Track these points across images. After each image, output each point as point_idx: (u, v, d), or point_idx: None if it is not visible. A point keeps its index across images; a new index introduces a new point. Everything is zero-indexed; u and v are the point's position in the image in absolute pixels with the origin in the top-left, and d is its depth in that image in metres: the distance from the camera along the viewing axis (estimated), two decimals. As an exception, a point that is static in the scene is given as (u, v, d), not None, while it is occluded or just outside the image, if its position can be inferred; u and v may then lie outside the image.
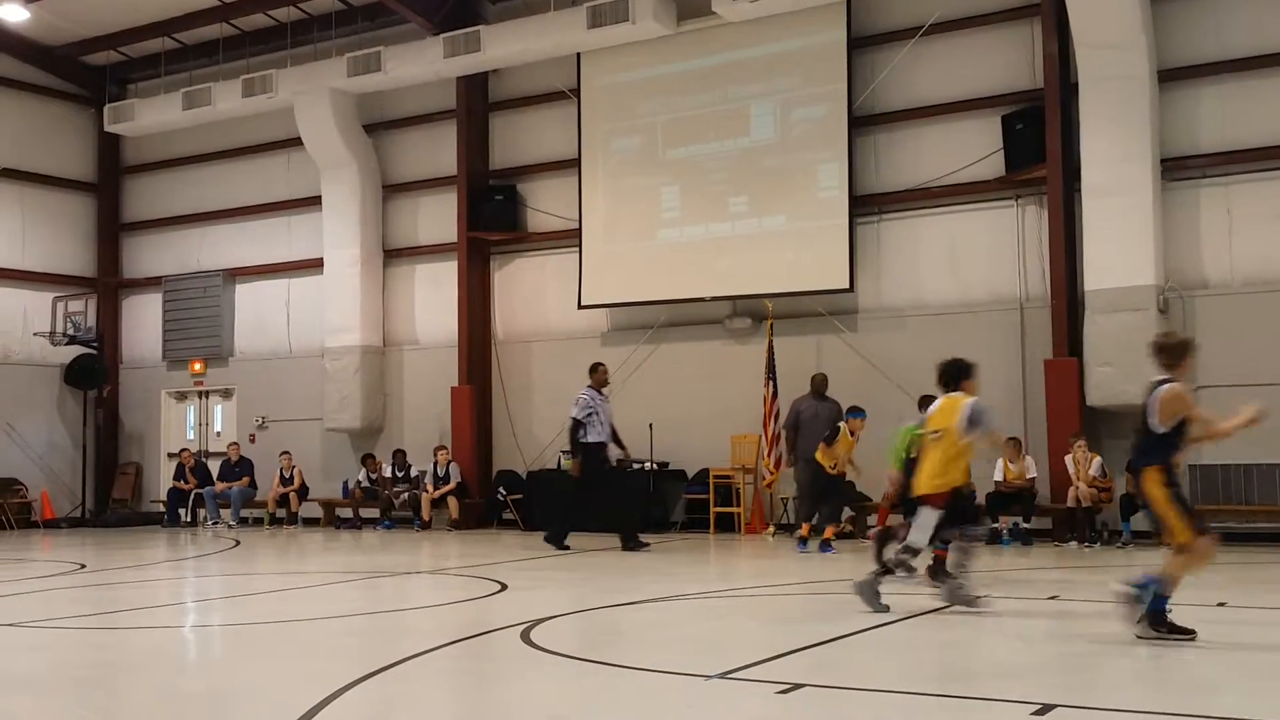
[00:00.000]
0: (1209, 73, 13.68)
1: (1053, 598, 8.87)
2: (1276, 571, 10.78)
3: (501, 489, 17.32)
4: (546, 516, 16.22)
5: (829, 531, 12.58)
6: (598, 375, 13.79)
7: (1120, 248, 13.42)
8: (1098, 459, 13.33)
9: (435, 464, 17.42)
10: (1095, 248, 13.61)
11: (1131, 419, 13.44)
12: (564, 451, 15.24)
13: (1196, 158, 13.69)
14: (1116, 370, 13.32)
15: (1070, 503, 13.14)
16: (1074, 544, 13.02)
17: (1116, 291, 13.37)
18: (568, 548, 13.31)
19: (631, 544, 13.25)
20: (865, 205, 15.41)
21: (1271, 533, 12.96)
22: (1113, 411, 13.53)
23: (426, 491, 17.30)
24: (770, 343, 15.21)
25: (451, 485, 17.22)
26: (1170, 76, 13.74)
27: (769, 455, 15.07)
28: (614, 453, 13.93)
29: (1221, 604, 8.06)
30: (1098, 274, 13.56)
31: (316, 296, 19.35)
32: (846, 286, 15.28)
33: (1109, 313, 13.47)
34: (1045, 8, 14.18)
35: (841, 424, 12.72)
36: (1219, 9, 13.66)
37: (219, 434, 20.94)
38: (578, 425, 13.45)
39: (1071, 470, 13.23)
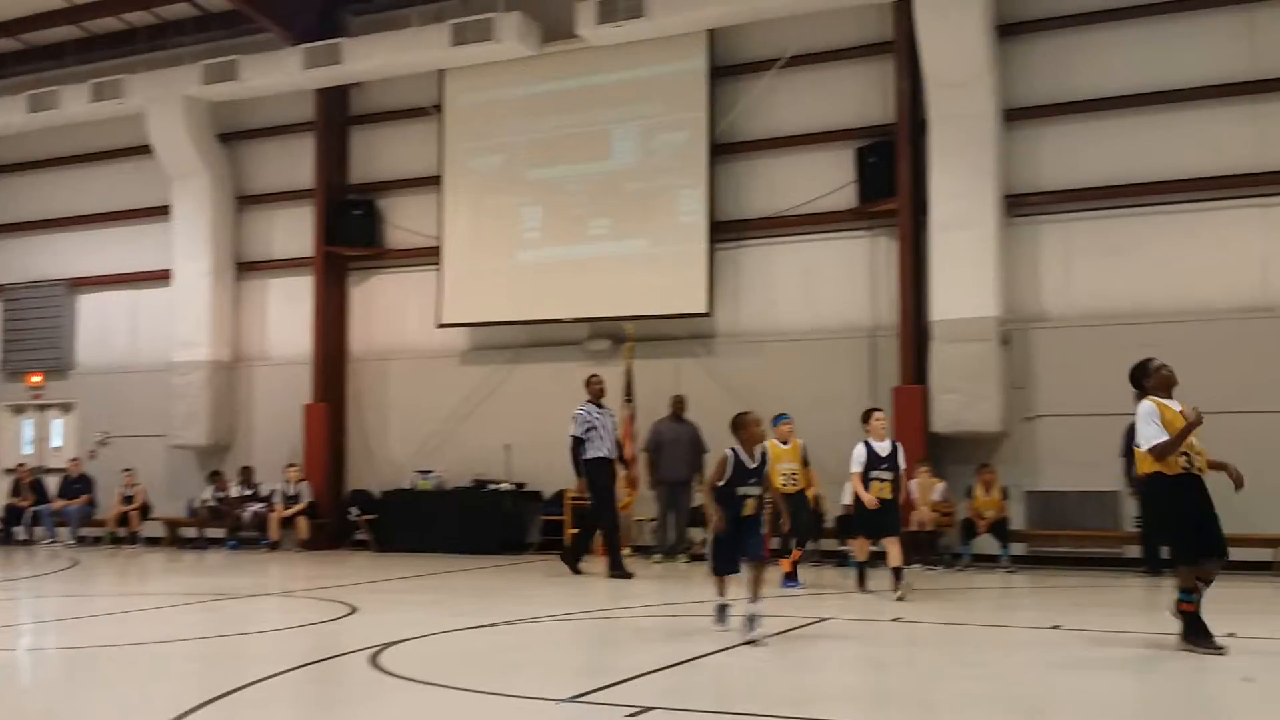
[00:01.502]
0: (1052, 113, 14.31)
1: (895, 619, 9.12)
2: (1110, 595, 11.27)
3: (354, 509, 17.02)
4: (401, 537, 16.08)
5: (786, 563, 11.21)
6: (592, 387, 13.04)
7: (965, 280, 13.92)
8: (941, 484, 13.77)
9: (286, 482, 17.04)
10: (941, 279, 14.09)
11: (972, 445, 14.06)
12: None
13: (1038, 195, 14.30)
14: (959, 397, 13.82)
15: (914, 527, 13.53)
16: (918, 567, 13.40)
17: (960, 322, 13.86)
18: (580, 571, 12.66)
19: (617, 571, 12.42)
20: (724, 231, 15.67)
21: (1104, 557, 13.56)
22: (955, 438, 14.01)
23: (274, 510, 16.90)
24: (629, 365, 15.33)
25: (302, 505, 16.85)
26: (1015, 116, 14.34)
27: (627, 476, 15.14)
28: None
29: (1055, 626, 8.39)
30: (943, 305, 14.04)
31: (165, 309, 18.76)
32: (705, 311, 15.49)
33: (953, 342, 13.95)
34: (898, 46, 14.66)
35: (765, 443, 10.84)
36: (1063, 53, 14.31)
37: (58, 449, 20.11)
38: (578, 443, 12.65)
39: (915, 495, 13.63)
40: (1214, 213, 13.53)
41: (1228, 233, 13.49)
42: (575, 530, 14.05)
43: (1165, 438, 6.96)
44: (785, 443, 10.99)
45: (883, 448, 10.55)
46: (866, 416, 10.74)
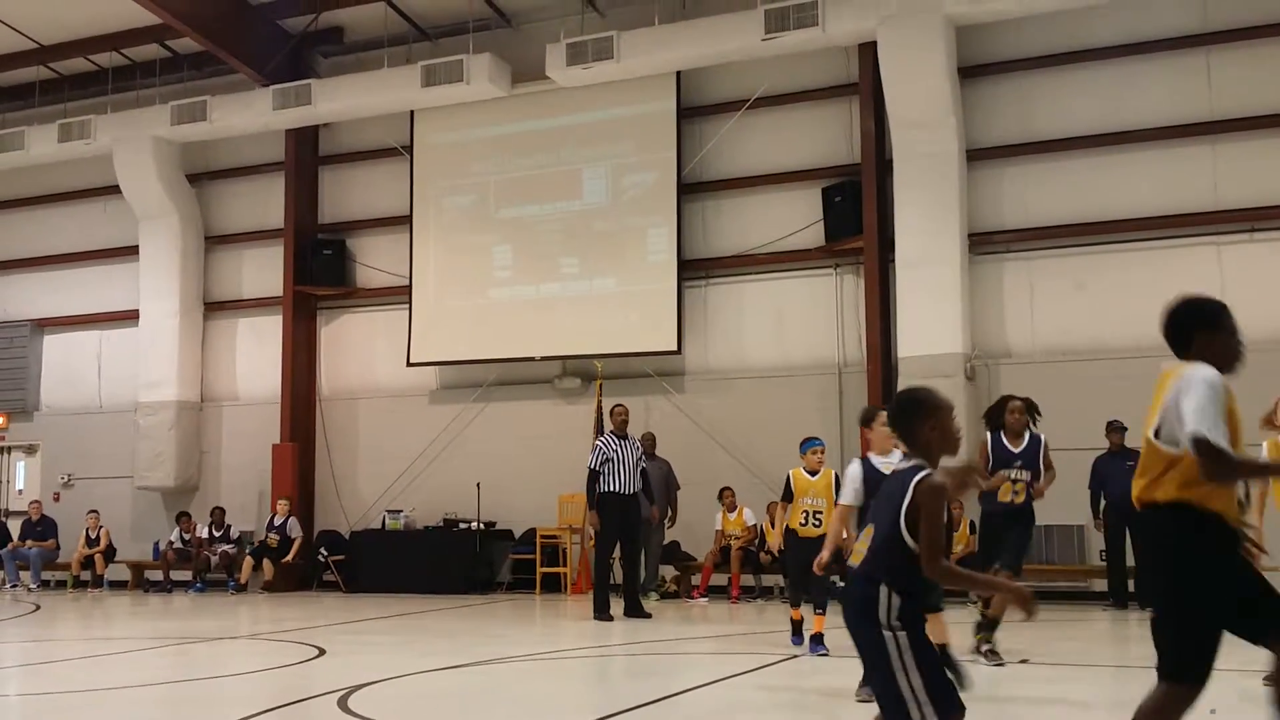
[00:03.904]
0: (1014, 153, 14.53)
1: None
2: (1078, 629, 11.34)
3: (323, 549, 16.92)
4: (370, 577, 15.98)
5: (813, 619, 8.92)
6: (615, 418, 12.54)
7: (930, 317, 14.06)
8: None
9: (273, 515, 16.90)
10: (908, 316, 14.23)
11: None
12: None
13: (1001, 233, 14.49)
14: (928, 434, 13.89)
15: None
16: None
17: (927, 358, 13.98)
18: (610, 617, 11.95)
19: (633, 610, 12.13)
20: (693, 270, 15.78)
21: (1071, 591, 13.65)
22: (925, 473, 14.08)
23: (266, 542, 16.78)
24: (599, 403, 15.36)
25: (298, 542, 16.72)
26: (978, 155, 14.55)
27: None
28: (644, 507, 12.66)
29: (1024, 660, 8.44)
30: (910, 341, 14.17)
31: (131, 349, 18.67)
32: (674, 349, 15.57)
33: (920, 378, 14.05)
34: (863, 87, 14.87)
35: (790, 471, 9.24)
36: (1024, 94, 14.55)
37: (20, 492, 19.89)
38: (594, 477, 12.21)
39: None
40: (1173, 250, 13.75)
41: (1186, 269, 13.66)
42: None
43: (1226, 443, 3.86)
44: (814, 473, 9.09)
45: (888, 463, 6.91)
46: (869, 418, 7.47)
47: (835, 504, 8.43)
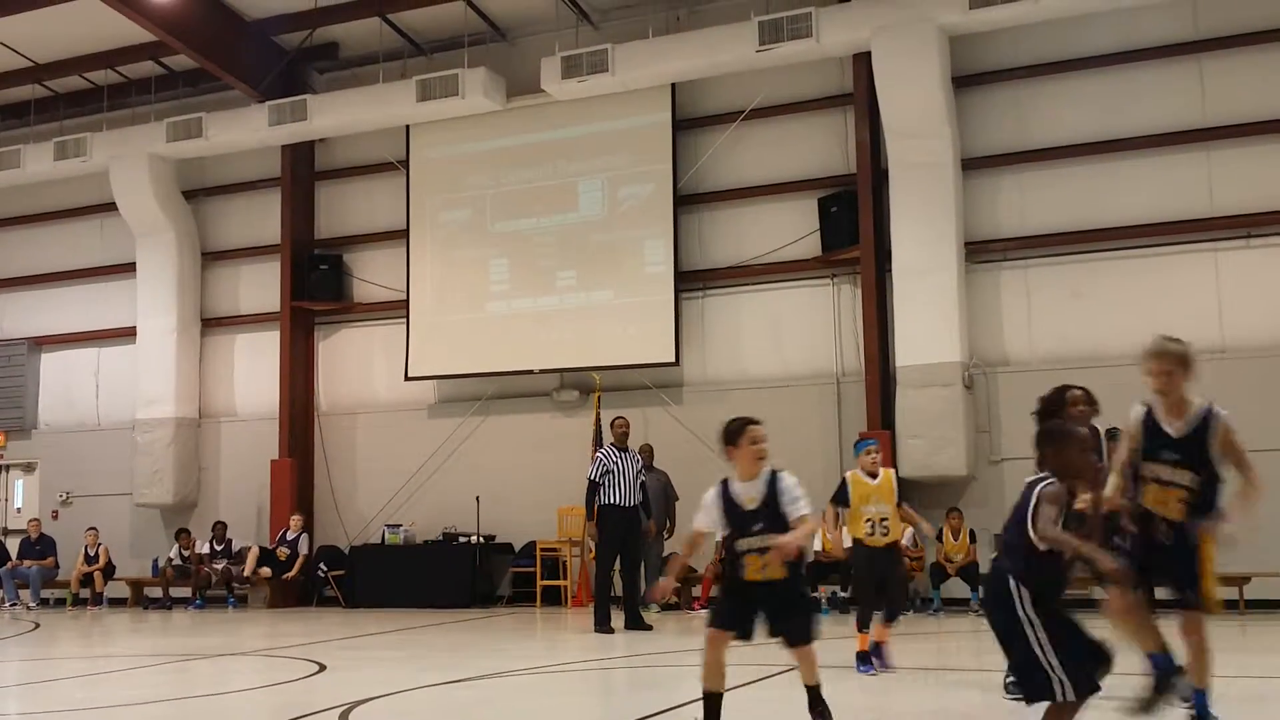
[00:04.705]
0: (1010, 162, 14.57)
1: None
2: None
3: (322, 565, 16.89)
4: (370, 592, 15.95)
5: (864, 640, 8.23)
6: (616, 430, 12.51)
7: (928, 326, 14.08)
8: (909, 529, 13.82)
9: (286, 530, 16.89)
10: (905, 325, 14.25)
11: (939, 489, 14.15)
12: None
13: (998, 241, 14.52)
14: (926, 442, 13.93)
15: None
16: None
17: (925, 367, 14.00)
18: (610, 630, 11.88)
19: (634, 622, 12.03)
20: (690, 281, 15.80)
21: (1072, 599, 13.60)
22: (923, 482, 14.09)
23: (276, 555, 16.78)
24: (598, 415, 15.35)
25: (302, 558, 16.69)
26: (973, 165, 14.58)
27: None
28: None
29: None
30: (908, 350, 14.19)
31: (129, 367, 18.66)
32: (672, 360, 15.57)
33: (919, 387, 14.08)
34: (858, 97, 14.90)
35: (847, 474, 8.53)
36: (1019, 103, 14.60)
37: (19, 510, 19.85)
38: (593, 488, 12.17)
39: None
40: (1168, 257, 13.79)
41: (1182, 276, 13.74)
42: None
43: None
44: (873, 476, 8.36)
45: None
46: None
47: (902, 507, 8.39)
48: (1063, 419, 6.47)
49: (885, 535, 8.27)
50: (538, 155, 16.60)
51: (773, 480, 5.59)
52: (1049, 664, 4.26)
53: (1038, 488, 4.43)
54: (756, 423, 5.67)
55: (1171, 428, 5.59)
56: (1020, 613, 4.34)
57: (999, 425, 14.21)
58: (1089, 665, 4.30)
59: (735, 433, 5.68)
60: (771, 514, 5.51)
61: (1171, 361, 5.59)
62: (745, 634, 5.61)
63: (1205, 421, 5.52)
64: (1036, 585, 4.38)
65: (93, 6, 15.77)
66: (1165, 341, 5.67)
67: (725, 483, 5.67)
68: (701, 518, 5.73)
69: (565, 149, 16.46)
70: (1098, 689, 4.31)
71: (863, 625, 8.17)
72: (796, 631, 5.62)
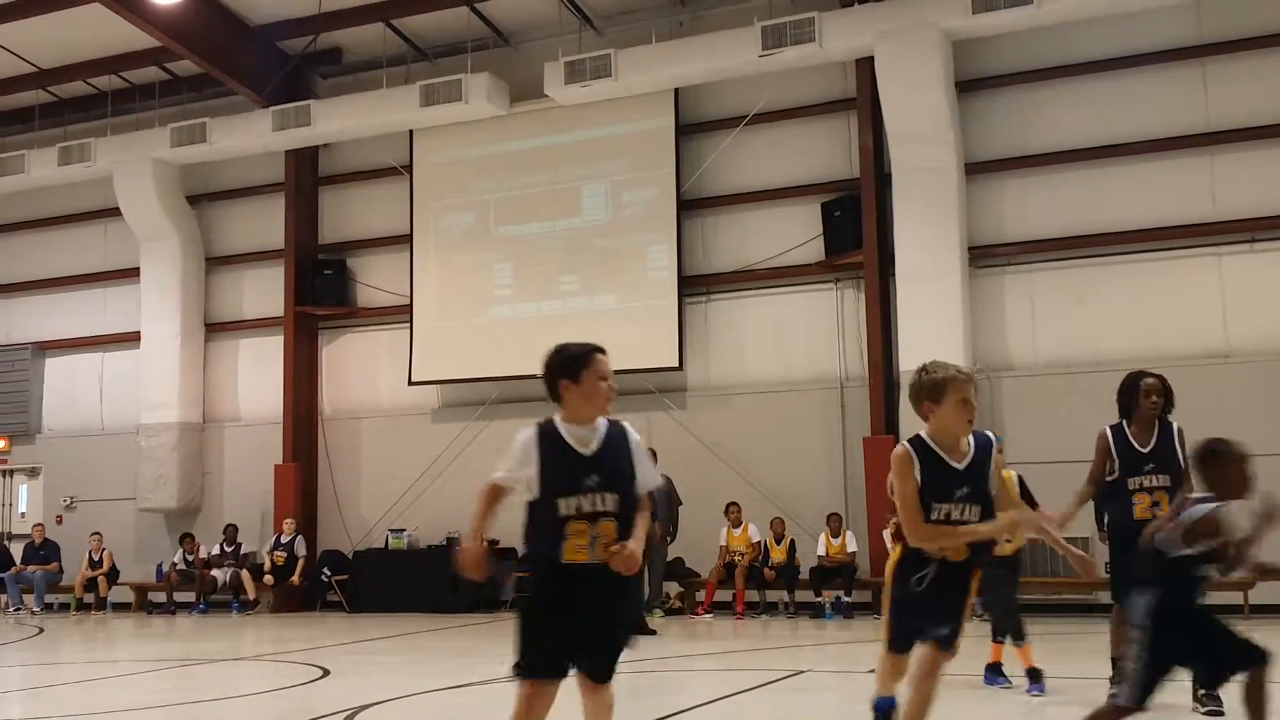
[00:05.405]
0: (1013, 167, 14.57)
1: (871, 671, 9.11)
2: (1087, 642, 11.31)
3: (326, 569, 16.89)
4: (374, 597, 15.94)
5: (997, 652, 7.82)
6: None
7: (932, 330, 14.06)
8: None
9: (279, 534, 16.88)
10: (909, 330, 14.24)
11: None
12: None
13: (1001, 246, 14.51)
14: (931, 447, 13.88)
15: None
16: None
17: (929, 372, 13.95)
18: (652, 631, 12.16)
19: (638, 627, 11.85)
20: (693, 286, 15.80)
21: (1077, 604, 13.62)
22: (928, 487, 14.06)
23: (272, 560, 16.76)
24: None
25: (303, 560, 16.69)
26: (977, 170, 14.58)
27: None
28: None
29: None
30: (911, 355, 14.16)
31: (133, 371, 18.68)
32: (676, 365, 15.57)
33: (923, 392, 14.03)
34: (861, 102, 14.91)
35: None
36: (1022, 108, 14.59)
37: (23, 515, 19.88)
38: None
39: (889, 545, 13.65)
40: (1172, 261, 13.78)
41: (1186, 281, 13.73)
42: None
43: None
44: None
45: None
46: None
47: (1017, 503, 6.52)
48: (1135, 406, 6.65)
49: (1009, 540, 6.94)
50: (541, 160, 16.62)
51: (620, 431, 4.52)
52: (1132, 666, 4.67)
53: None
54: (603, 351, 4.58)
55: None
56: (1136, 620, 4.78)
57: (1003, 429, 14.15)
58: (1149, 686, 4.64)
59: (579, 359, 4.55)
60: (611, 471, 4.39)
61: None
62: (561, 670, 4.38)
63: None
64: (1153, 596, 4.80)
65: (97, 12, 15.81)
66: None
67: (550, 421, 4.55)
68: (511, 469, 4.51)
69: (568, 154, 16.48)
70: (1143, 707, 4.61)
71: (1000, 634, 7.73)
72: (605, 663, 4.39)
